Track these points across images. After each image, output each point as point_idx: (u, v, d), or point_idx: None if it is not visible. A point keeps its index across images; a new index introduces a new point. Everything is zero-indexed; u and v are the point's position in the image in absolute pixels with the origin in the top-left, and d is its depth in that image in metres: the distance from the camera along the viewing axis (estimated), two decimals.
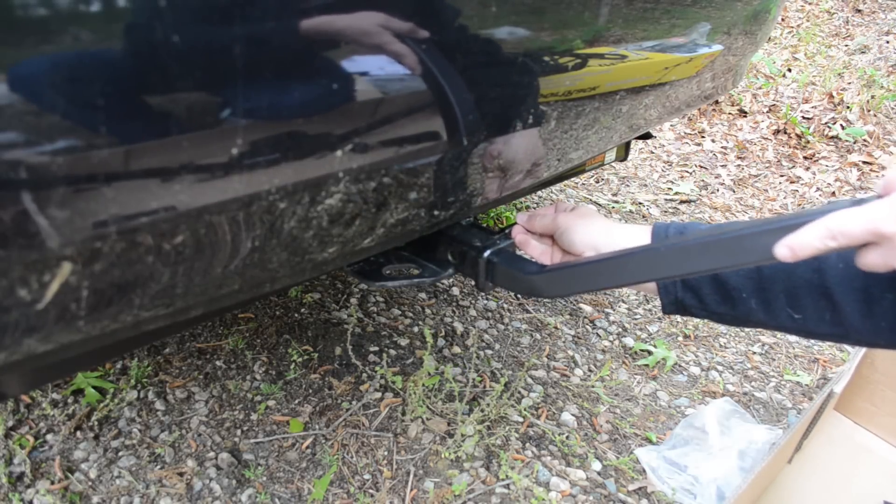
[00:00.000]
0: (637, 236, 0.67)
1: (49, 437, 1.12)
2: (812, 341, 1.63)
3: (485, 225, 0.80)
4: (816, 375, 1.50)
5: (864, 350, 1.25)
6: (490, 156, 0.62)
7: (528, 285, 0.69)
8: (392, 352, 1.42)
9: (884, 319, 0.52)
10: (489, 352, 1.46)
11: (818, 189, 2.64)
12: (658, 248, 0.52)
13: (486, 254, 0.73)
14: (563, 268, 0.66)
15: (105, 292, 0.38)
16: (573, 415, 1.29)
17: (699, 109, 3.29)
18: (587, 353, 1.50)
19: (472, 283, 0.80)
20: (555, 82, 0.64)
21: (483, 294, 1.68)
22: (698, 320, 1.66)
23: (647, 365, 1.47)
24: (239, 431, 1.18)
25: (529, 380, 1.38)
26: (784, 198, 2.59)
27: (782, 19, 4.22)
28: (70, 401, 1.19)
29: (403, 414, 1.24)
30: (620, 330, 1.60)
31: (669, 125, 3.21)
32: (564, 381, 1.39)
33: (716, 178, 2.73)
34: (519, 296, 1.67)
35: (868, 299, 0.52)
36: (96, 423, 1.15)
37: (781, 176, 2.75)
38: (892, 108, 3.06)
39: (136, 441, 1.13)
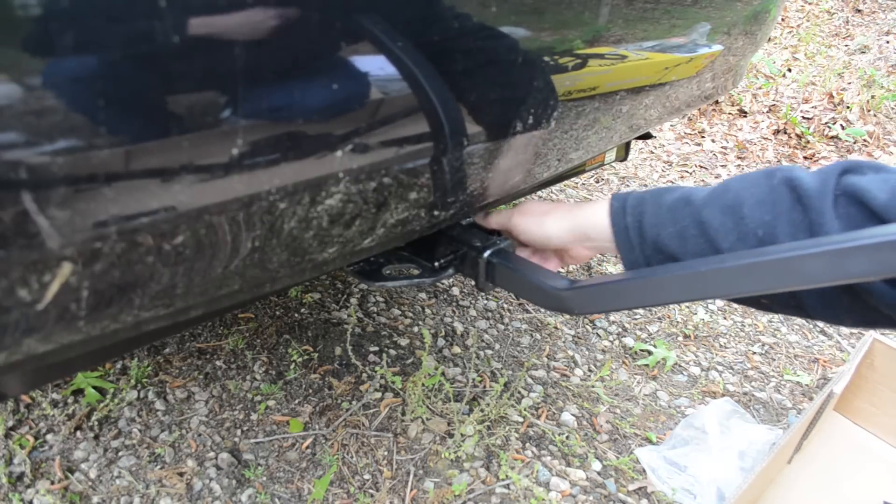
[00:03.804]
0: (597, 215, 0.65)
1: (49, 437, 1.12)
2: (812, 341, 1.63)
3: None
4: (816, 375, 1.50)
5: (864, 350, 1.25)
6: (490, 156, 0.62)
7: (557, 301, 0.66)
8: (392, 352, 1.42)
9: (845, 315, 0.52)
10: (489, 352, 1.46)
11: None
12: (702, 269, 0.53)
13: (487, 254, 0.73)
14: (597, 285, 0.62)
15: (105, 292, 0.38)
16: (573, 415, 1.30)
17: (699, 109, 3.28)
18: (587, 353, 1.50)
19: (472, 283, 0.80)
20: (555, 83, 0.64)
21: (483, 294, 1.68)
22: (698, 320, 1.66)
23: (647, 365, 1.47)
24: (239, 431, 1.18)
25: (529, 380, 1.38)
26: None
27: (782, 19, 4.22)
28: (70, 401, 1.19)
29: (403, 414, 1.24)
30: (620, 330, 1.60)
31: (669, 125, 3.21)
32: (564, 381, 1.39)
33: (716, 178, 2.73)
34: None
35: (826, 297, 0.51)
36: (96, 423, 1.15)
37: None
38: (892, 108, 3.06)
39: (136, 441, 1.13)
